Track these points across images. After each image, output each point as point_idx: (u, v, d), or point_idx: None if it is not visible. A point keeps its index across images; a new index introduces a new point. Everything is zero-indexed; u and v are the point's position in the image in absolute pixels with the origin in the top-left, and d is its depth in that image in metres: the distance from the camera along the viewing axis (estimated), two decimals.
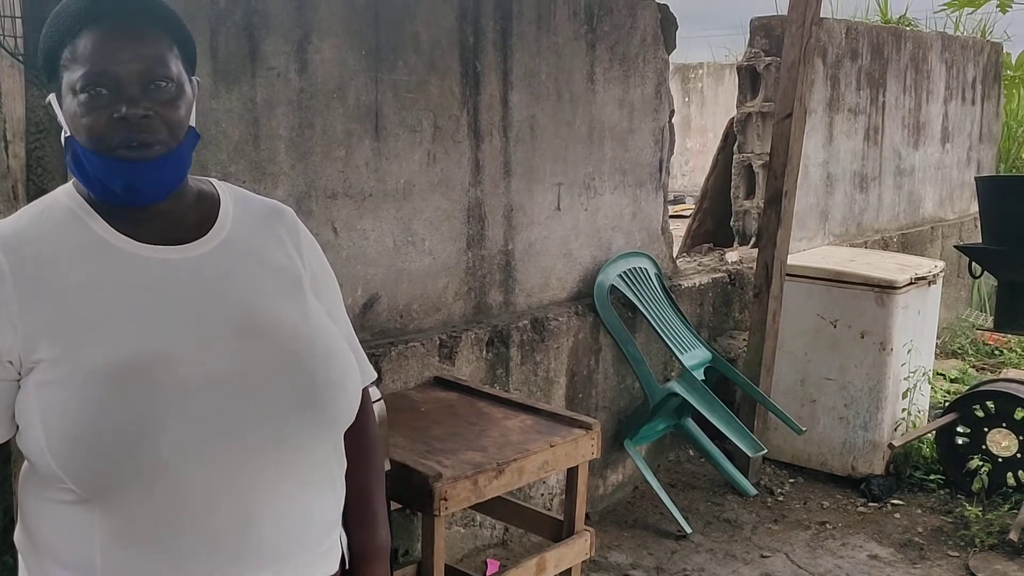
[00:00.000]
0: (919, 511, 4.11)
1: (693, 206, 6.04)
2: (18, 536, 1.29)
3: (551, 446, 2.72)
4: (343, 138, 2.96)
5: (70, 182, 1.29)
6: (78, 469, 1.15)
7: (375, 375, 1.55)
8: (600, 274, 3.96)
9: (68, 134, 1.22)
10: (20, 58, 1.59)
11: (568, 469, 2.82)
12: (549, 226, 3.76)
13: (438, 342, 3.24)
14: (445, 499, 2.43)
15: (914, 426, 4.46)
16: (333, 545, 1.38)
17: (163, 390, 1.16)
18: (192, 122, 1.28)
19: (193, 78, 1.29)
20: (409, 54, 3.12)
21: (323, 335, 1.32)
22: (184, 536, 1.18)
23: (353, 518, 1.46)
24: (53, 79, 1.23)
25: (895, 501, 4.20)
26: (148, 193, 1.23)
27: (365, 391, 1.50)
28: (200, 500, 1.18)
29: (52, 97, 1.24)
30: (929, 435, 4.41)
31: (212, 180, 1.40)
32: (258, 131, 2.73)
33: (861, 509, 4.14)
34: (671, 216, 4.66)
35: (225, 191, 1.38)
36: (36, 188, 1.64)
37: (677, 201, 10.89)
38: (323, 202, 2.93)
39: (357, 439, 1.45)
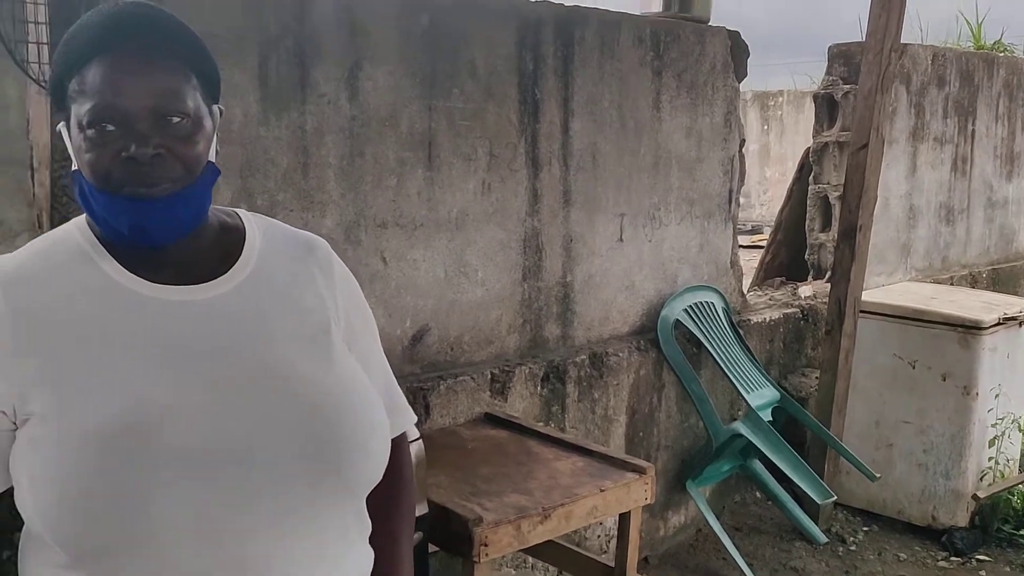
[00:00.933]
0: (1008, 569, 3.84)
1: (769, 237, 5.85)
2: None
3: (601, 491, 2.59)
4: (395, 166, 2.90)
5: (84, 214, 1.20)
6: (63, 534, 1.06)
7: (413, 419, 1.43)
8: (664, 308, 3.82)
9: (76, 167, 1.14)
10: (45, 85, 1.56)
11: (620, 515, 2.69)
12: (611, 257, 3.64)
13: (490, 376, 3.14)
14: (486, 544, 2.32)
15: (1002, 476, 4.18)
16: None
17: (159, 453, 1.06)
18: (212, 156, 1.18)
19: (215, 107, 1.19)
20: (465, 81, 3.05)
21: (348, 388, 1.20)
22: None
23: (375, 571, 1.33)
24: (62, 109, 1.15)
25: (980, 556, 3.93)
26: (157, 234, 1.13)
27: (402, 435, 1.39)
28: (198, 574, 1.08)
29: (62, 126, 1.16)
30: (1020, 487, 4.13)
31: (239, 211, 1.30)
32: (307, 159, 2.69)
33: (942, 563, 3.88)
34: (748, 247, 4.52)
35: (252, 223, 1.28)
36: (61, 216, 1.61)
37: (754, 231, 10.66)
38: (373, 231, 2.87)
39: (387, 489, 1.32)
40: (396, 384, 1.40)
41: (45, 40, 1.57)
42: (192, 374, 1.11)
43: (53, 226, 1.65)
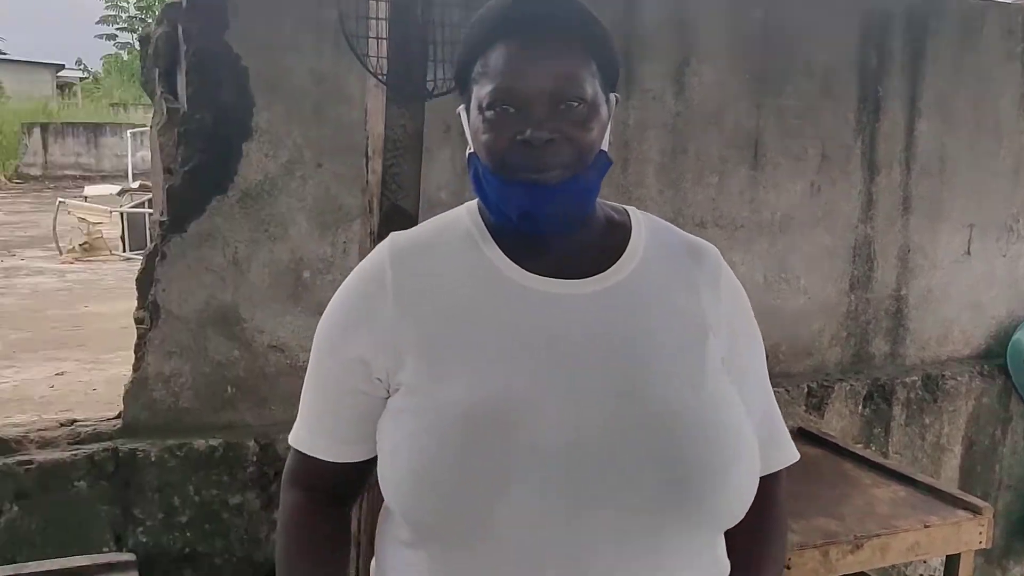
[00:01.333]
0: None
1: None
2: (372, 569, 1.25)
3: (925, 526, 2.35)
4: (717, 164, 2.82)
5: (477, 199, 1.19)
6: (411, 509, 1.07)
7: (794, 458, 1.27)
8: (1018, 331, 3.40)
9: (471, 150, 1.14)
10: (382, 78, 1.67)
11: (947, 556, 2.43)
12: (954, 272, 3.30)
13: (806, 390, 2.97)
14: (788, 568, 2.19)
15: None
16: None
17: (515, 446, 1.03)
18: (605, 145, 1.12)
19: (612, 95, 1.14)
20: (799, 78, 2.90)
21: (716, 409, 1.09)
22: None
23: None
24: (465, 91, 1.14)
25: None
26: (545, 222, 1.10)
27: (777, 474, 1.24)
28: None
29: (462, 109, 1.15)
30: None
31: (629, 208, 1.26)
32: (628, 154, 2.69)
33: None
34: None
35: (640, 221, 1.23)
36: (389, 203, 1.71)
37: None
38: (690, 230, 2.75)
39: (751, 526, 1.17)
40: (779, 415, 1.27)
41: (383, 35, 1.68)
42: (560, 370, 1.07)
43: (381, 212, 1.77)
